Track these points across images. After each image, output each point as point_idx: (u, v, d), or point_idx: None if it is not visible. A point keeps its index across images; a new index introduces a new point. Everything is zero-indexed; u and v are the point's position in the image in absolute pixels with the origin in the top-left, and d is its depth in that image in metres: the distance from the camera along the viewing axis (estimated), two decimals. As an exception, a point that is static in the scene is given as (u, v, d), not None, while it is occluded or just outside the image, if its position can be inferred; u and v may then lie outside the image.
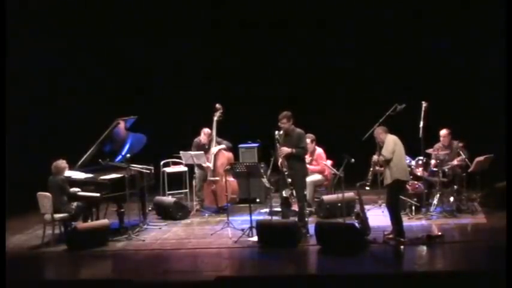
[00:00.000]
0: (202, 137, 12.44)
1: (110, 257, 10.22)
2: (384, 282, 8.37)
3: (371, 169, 10.24)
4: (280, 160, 10.45)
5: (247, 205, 10.94)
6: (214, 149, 12.31)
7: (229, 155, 12.47)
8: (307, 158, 11.59)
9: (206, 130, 12.43)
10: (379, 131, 10.17)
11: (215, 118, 12.33)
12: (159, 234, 11.17)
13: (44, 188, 10.69)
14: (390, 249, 9.88)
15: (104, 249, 10.41)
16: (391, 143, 9.99)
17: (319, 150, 12.10)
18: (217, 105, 12.36)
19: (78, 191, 10.81)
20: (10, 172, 11.93)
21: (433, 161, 11.63)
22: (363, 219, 10.27)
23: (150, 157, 11.75)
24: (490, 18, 13.31)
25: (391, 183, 9.98)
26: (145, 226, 11.46)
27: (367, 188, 10.24)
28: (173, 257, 10.09)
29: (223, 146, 12.41)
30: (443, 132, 11.75)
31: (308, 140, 11.28)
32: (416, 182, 11.65)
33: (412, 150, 11.35)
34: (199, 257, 10.08)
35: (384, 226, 10.41)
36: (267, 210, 11.86)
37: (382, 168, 10.10)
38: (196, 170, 12.53)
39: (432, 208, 11.42)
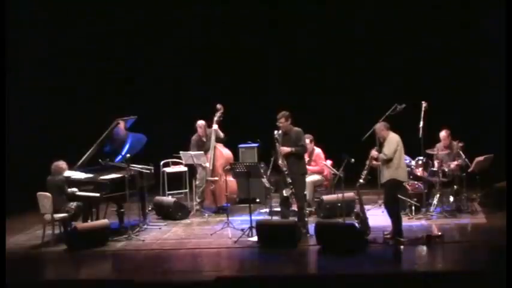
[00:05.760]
0: (199, 130, 12.43)
1: (110, 257, 10.21)
2: (384, 282, 8.36)
3: (367, 163, 10.22)
4: (280, 160, 10.46)
5: (247, 205, 10.93)
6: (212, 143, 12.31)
7: (228, 155, 12.45)
8: (305, 158, 11.59)
9: (200, 122, 12.40)
10: (381, 127, 10.18)
11: (215, 118, 12.32)
12: (159, 234, 11.17)
13: (44, 188, 10.69)
14: (390, 249, 9.88)
15: (104, 249, 10.41)
16: (394, 143, 9.99)
17: (318, 150, 12.09)
18: (218, 106, 12.35)
19: (76, 191, 10.80)
20: (10, 172, 11.96)
21: (436, 162, 11.61)
22: (363, 219, 10.26)
23: (150, 157, 11.74)
24: (490, 18, 13.32)
25: (386, 181, 10.04)
26: (145, 226, 11.46)
27: (361, 181, 10.20)
28: (173, 257, 10.09)
29: (220, 135, 12.38)
30: (443, 134, 11.74)
31: (307, 140, 11.28)
32: (416, 182, 11.65)
33: (412, 150, 11.35)
34: (199, 257, 10.08)
35: (384, 226, 10.41)
36: (267, 210, 11.87)
37: (379, 163, 10.09)
38: (198, 170, 12.49)
39: (432, 208, 11.42)
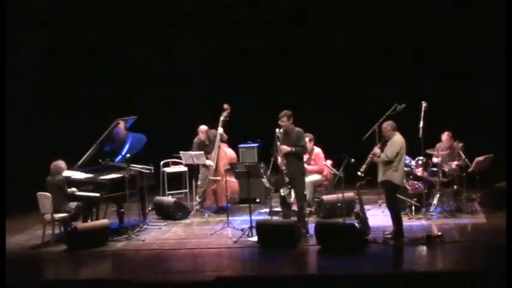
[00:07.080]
0: (200, 135, 12.44)
1: (109, 257, 10.22)
2: (384, 282, 8.37)
3: (369, 157, 10.21)
4: (279, 158, 10.46)
5: (247, 205, 10.93)
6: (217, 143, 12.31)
7: (232, 155, 12.45)
8: (305, 157, 11.58)
9: (202, 127, 12.42)
10: (387, 127, 10.14)
11: (221, 118, 12.32)
12: (159, 234, 11.17)
13: (44, 188, 10.69)
14: (390, 249, 9.88)
15: (104, 249, 10.41)
16: (397, 146, 9.97)
17: (317, 150, 12.09)
18: (225, 106, 12.34)
19: (75, 191, 10.80)
20: (10, 172, 11.95)
21: (435, 159, 11.60)
22: (363, 219, 10.27)
23: (150, 157, 11.74)
24: (490, 18, 13.32)
25: (383, 182, 10.08)
26: (145, 226, 11.46)
27: (360, 173, 10.19)
28: (173, 257, 10.09)
29: (224, 138, 12.39)
30: (444, 137, 11.73)
31: (306, 139, 11.28)
32: (416, 182, 11.65)
33: (412, 150, 11.35)
34: (199, 257, 10.08)
35: (384, 226, 10.42)
36: (267, 210, 11.87)
37: (379, 160, 10.09)
38: (201, 170, 12.46)
39: (432, 208, 11.42)
